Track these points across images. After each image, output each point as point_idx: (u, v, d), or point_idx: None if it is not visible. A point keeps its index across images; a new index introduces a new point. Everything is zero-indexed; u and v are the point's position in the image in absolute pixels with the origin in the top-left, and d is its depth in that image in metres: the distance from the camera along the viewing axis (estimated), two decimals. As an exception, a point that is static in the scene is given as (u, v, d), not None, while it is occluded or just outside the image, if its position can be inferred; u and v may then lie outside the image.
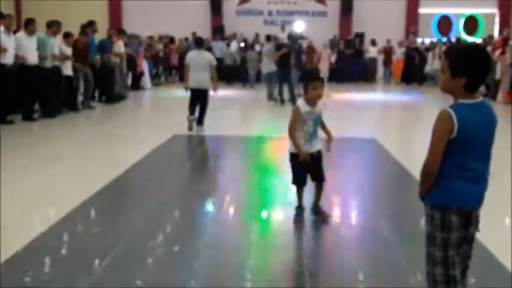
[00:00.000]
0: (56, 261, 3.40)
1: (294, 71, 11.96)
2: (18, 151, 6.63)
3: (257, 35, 18.54)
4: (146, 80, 15.32)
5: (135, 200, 4.85)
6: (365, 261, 3.50)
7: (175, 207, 4.55)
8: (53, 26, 9.56)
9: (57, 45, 9.69)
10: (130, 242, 3.68)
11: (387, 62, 18.32)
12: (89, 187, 4.88)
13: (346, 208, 4.73)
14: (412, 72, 18.20)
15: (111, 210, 4.47)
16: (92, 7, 18.71)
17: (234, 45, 17.72)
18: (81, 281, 3.04)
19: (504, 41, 13.80)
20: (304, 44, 17.75)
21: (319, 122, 4.17)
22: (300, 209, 4.17)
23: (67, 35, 10.00)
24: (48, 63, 9.30)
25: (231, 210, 4.46)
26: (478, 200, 2.29)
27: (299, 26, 19.12)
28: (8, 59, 8.52)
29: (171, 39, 17.95)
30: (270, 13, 20.20)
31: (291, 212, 4.31)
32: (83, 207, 4.39)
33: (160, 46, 17.07)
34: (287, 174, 5.85)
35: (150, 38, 16.54)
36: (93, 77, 10.82)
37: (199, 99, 7.88)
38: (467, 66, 2.15)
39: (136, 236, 3.81)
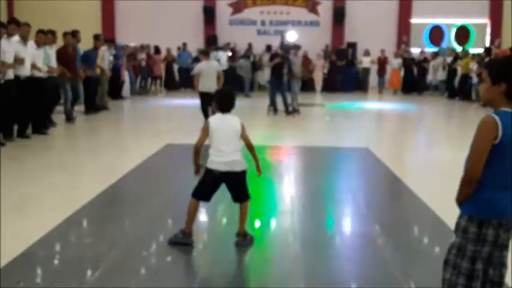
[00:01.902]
0: (49, 270, 3.37)
1: (293, 81, 12.01)
2: (11, 162, 6.59)
3: (250, 45, 18.61)
4: (126, 90, 15.25)
5: (128, 209, 4.82)
6: (358, 269, 3.51)
7: (169, 216, 4.54)
8: (48, 35, 9.09)
9: (53, 55, 9.17)
10: (123, 251, 3.66)
11: (381, 71, 18.43)
12: (82, 196, 4.86)
13: (340, 217, 4.73)
14: (412, 82, 18.32)
15: (104, 219, 4.44)
16: (85, 16, 18.75)
17: (222, 54, 17.79)
18: (74, 291, 3.02)
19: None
20: (299, 54, 17.81)
21: None
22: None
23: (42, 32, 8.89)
24: (44, 75, 8.72)
25: (225, 220, 4.45)
26: None
27: (292, 36, 19.23)
28: (24, 71, 7.92)
29: (157, 49, 17.90)
30: (263, 23, 20.31)
31: (285, 220, 4.32)
32: (76, 217, 4.37)
33: (142, 56, 16.95)
34: (281, 183, 5.88)
35: (126, 47, 16.08)
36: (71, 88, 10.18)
37: (209, 101, 9.08)
38: (506, 72, 2.20)
39: (129, 245, 3.79)
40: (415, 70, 18.37)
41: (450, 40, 20.01)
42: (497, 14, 19.63)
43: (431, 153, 7.99)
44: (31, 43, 8.35)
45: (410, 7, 19.91)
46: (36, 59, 8.34)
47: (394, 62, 18.19)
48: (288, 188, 5.59)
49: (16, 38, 7.93)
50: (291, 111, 11.69)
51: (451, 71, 16.76)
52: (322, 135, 9.88)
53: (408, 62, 18.23)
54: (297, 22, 20.12)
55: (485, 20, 19.95)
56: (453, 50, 18.11)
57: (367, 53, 18.53)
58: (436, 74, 17.69)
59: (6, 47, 7.40)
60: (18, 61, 7.70)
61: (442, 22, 20.02)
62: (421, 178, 6.12)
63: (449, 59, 17.22)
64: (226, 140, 3.63)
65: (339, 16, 19.65)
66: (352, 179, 6.22)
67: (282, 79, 11.80)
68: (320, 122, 11.71)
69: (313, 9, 20.23)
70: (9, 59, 7.45)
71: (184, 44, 18.35)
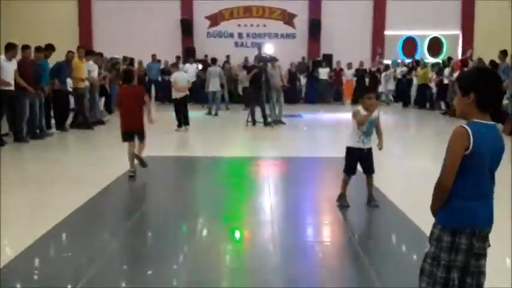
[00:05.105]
0: (28, 286, 3.33)
1: (271, 92, 12.14)
2: None
3: (228, 57, 18.71)
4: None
5: (107, 223, 4.79)
6: (337, 277, 3.55)
7: (148, 229, 4.53)
8: (12, 50, 8.92)
9: (13, 69, 8.96)
10: (103, 265, 3.63)
11: (338, 82, 19.04)
12: (60, 211, 4.81)
13: (319, 226, 4.78)
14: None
15: (83, 233, 4.39)
16: (63, 31, 18.58)
17: (189, 66, 17.85)
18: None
19: (463, 63, 14.17)
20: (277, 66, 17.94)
21: (374, 125, 4.98)
22: (343, 196, 5.03)
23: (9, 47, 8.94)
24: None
25: (205, 231, 4.47)
26: (490, 218, 2.32)
27: (269, 48, 19.44)
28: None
29: (131, 61, 17.77)
30: (240, 35, 20.48)
31: (265, 230, 4.34)
32: (54, 231, 4.32)
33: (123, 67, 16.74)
34: (261, 193, 5.92)
35: (110, 59, 16.04)
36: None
37: (181, 105, 11.01)
38: (474, 83, 2.25)
39: (109, 259, 3.77)
40: (366, 81, 18.76)
41: (423, 51, 20.48)
42: (469, 25, 20.20)
43: (407, 161, 8.13)
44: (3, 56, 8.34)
45: (385, 19, 20.35)
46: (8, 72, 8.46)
47: (348, 73, 18.70)
48: (267, 198, 5.62)
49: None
50: (269, 122, 11.78)
51: (406, 82, 17.58)
52: (300, 145, 9.95)
53: (361, 73, 18.67)
54: (273, 34, 20.35)
55: (458, 32, 20.49)
56: (403, 61, 18.91)
57: (324, 65, 18.97)
58: (387, 84, 18.40)
59: None
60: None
61: (415, 34, 20.49)
62: (398, 186, 6.23)
63: (399, 70, 18.08)
64: (363, 127, 4.83)
65: (314, 28, 19.95)
66: (330, 188, 6.28)
67: (261, 90, 11.90)
68: (297, 132, 11.78)
69: (289, 21, 20.50)
70: None
71: (154, 56, 18.38)
